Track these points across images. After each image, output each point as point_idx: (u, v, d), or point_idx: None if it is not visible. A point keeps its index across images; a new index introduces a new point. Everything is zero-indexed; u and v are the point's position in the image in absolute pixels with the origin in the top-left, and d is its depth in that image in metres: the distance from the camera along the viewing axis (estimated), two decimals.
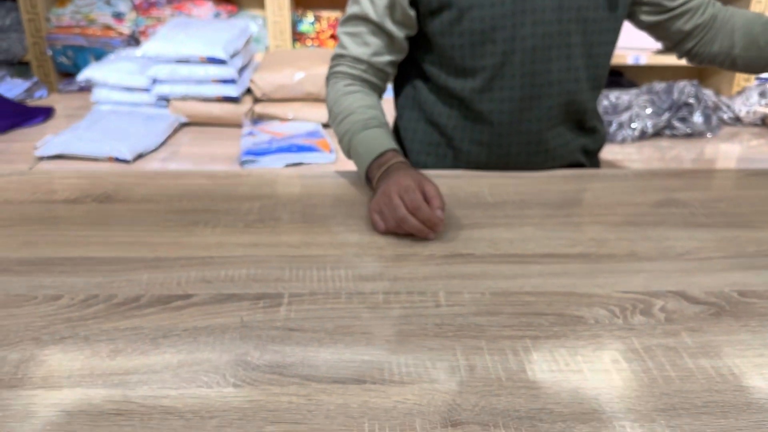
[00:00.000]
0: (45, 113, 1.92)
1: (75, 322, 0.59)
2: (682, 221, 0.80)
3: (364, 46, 0.96)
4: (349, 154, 0.93)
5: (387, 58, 0.96)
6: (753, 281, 0.67)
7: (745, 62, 0.99)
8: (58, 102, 2.08)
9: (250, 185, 0.90)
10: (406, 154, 1.06)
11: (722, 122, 1.79)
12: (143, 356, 0.55)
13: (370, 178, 0.85)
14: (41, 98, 2.11)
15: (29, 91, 2.10)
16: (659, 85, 1.70)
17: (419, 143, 1.02)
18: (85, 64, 2.10)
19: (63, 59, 2.43)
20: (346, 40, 0.97)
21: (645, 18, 0.99)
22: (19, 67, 2.56)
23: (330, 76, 1.00)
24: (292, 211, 0.82)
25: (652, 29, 1.01)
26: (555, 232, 0.77)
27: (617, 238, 0.76)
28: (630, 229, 0.78)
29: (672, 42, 1.02)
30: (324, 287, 0.65)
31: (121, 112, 1.78)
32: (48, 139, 1.64)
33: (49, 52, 2.46)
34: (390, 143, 0.88)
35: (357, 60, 0.97)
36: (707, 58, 1.01)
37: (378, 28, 0.94)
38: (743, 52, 0.98)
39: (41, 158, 1.60)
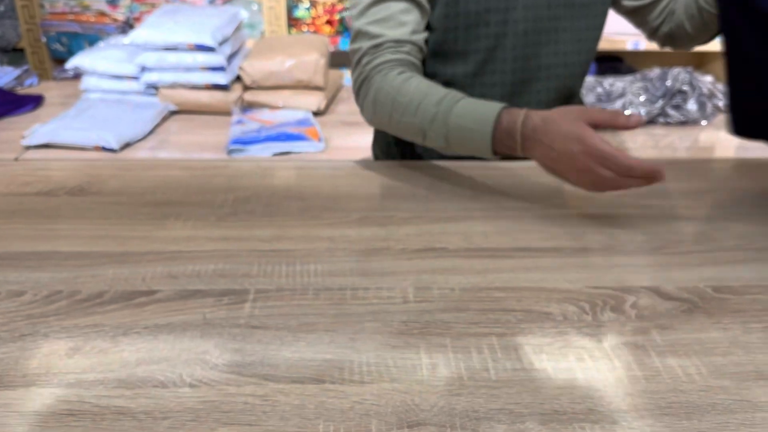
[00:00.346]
0: (34, 101, 1.91)
1: (36, 319, 0.58)
2: (663, 214, 0.79)
3: (401, 27, 0.87)
4: (444, 138, 0.81)
5: (423, 35, 0.90)
6: (729, 276, 0.66)
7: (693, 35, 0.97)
8: (49, 90, 2.07)
9: (226, 177, 0.89)
10: (390, 144, 1.05)
11: (717, 109, 1.77)
12: (101, 354, 0.54)
13: (508, 145, 0.77)
14: (31, 86, 2.10)
15: (19, 79, 2.08)
16: (653, 72, 1.68)
17: None
18: (79, 50, 2.09)
19: (57, 46, 2.41)
20: (375, 28, 0.87)
21: (627, 2, 0.98)
22: (14, 53, 2.55)
23: (372, 72, 0.87)
24: (267, 203, 0.81)
25: (632, 14, 1.00)
26: (531, 225, 0.76)
27: (594, 232, 0.74)
28: (608, 222, 0.77)
29: (651, 28, 1.01)
30: (291, 283, 0.64)
31: (109, 101, 1.77)
32: (36, 128, 1.64)
33: (44, 39, 2.45)
34: (496, 104, 0.78)
35: (398, 42, 0.87)
36: (686, 41, 1.00)
37: (410, 2, 0.87)
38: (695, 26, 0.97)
39: (28, 147, 1.60)
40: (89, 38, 2.27)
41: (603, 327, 0.58)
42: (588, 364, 0.53)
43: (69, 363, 0.53)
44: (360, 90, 0.89)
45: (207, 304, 0.61)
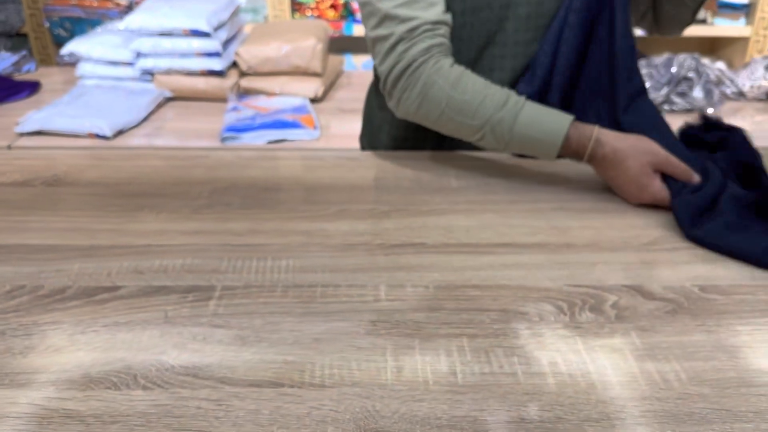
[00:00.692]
0: (31, 88, 1.89)
1: None
2: (655, 208, 0.76)
3: (433, 7, 0.80)
4: (506, 144, 0.79)
5: (450, 15, 0.83)
6: (718, 275, 0.63)
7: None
8: (46, 76, 2.05)
9: (206, 167, 0.86)
10: (378, 133, 1.02)
11: (725, 97, 1.73)
12: (56, 354, 0.52)
13: (572, 157, 0.79)
14: (29, 72, 2.09)
15: (17, 65, 2.07)
16: (659, 58, 1.64)
17: (398, 123, 0.97)
18: (82, 35, 2.07)
19: (60, 31, 2.40)
20: (406, 11, 0.80)
21: None
22: (17, 39, 2.54)
23: (417, 61, 0.80)
24: (245, 195, 0.79)
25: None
26: (516, 219, 0.73)
27: (581, 227, 0.72)
28: (596, 217, 0.74)
29: (640, 12, 0.98)
30: (260, 279, 0.62)
31: (104, 87, 1.75)
32: (29, 115, 1.62)
33: (47, 24, 2.43)
34: (563, 115, 0.78)
35: (435, 24, 0.80)
36: (675, 25, 0.96)
37: None
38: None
39: (21, 134, 1.58)
40: (92, 23, 2.25)
41: (580, 328, 0.55)
42: (561, 368, 0.51)
43: (22, 362, 0.51)
44: (399, 81, 0.82)
45: (170, 302, 0.59)
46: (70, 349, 0.53)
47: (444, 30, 0.82)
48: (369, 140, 1.05)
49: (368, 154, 0.94)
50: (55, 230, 0.70)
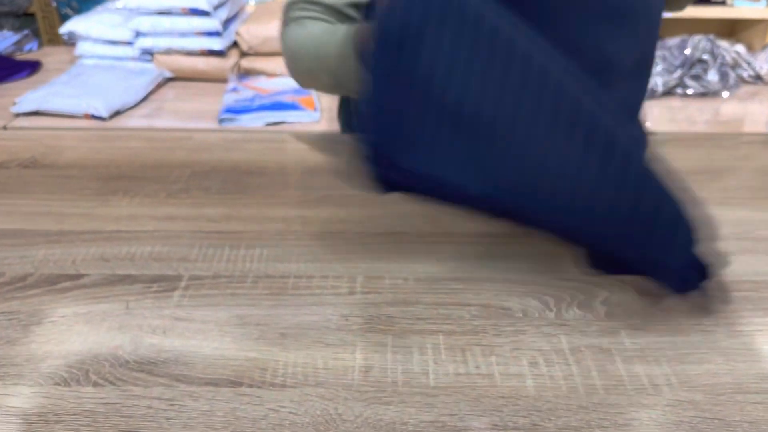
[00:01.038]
0: (31, 67, 1.87)
1: None
2: None
3: None
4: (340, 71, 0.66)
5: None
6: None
7: None
8: (48, 56, 2.03)
9: (187, 150, 0.83)
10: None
11: (741, 80, 1.67)
12: (8, 346, 0.49)
13: None
14: (31, 51, 2.06)
15: (19, 44, 2.05)
16: (672, 40, 1.58)
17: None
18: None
19: (68, 10, 2.37)
20: None
21: None
22: (25, 18, 2.52)
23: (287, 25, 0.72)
24: (225, 180, 0.75)
25: None
26: None
27: None
28: None
29: None
30: (231, 269, 0.59)
31: (103, 67, 1.73)
32: (27, 94, 1.60)
33: (54, 3, 2.41)
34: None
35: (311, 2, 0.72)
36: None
37: None
38: None
39: (18, 114, 1.56)
40: (100, 1, 2.23)
41: (566, 326, 0.52)
42: (542, 369, 0.47)
43: None
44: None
45: (133, 291, 0.56)
46: (23, 341, 0.50)
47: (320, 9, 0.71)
48: (345, 119, 1.00)
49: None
50: (24, 214, 0.67)
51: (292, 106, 1.51)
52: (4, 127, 1.49)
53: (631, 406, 0.44)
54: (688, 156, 0.82)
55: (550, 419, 0.43)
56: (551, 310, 0.53)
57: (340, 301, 0.55)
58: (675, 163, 0.79)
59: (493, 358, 0.48)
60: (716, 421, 0.43)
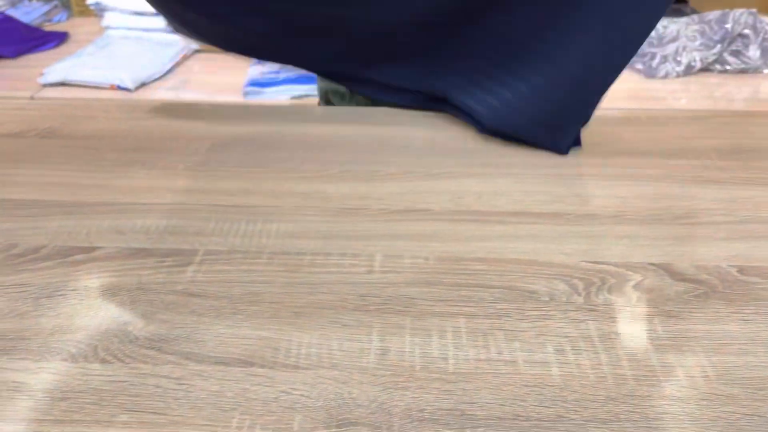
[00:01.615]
0: (59, 38, 1.87)
1: None
2: (690, 176, 0.68)
3: None
4: None
5: None
6: (760, 255, 0.55)
7: None
8: (77, 27, 2.03)
9: (208, 121, 0.81)
10: None
11: None
12: (17, 320, 0.48)
13: None
14: (59, 22, 2.06)
15: (48, 15, 2.04)
16: (711, 14, 1.51)
17: None
18: None
19: None
20: None
21: None
22: None
23: None
24: (245, 152, 0.73)
25: None
26: (534, 185, 0.66)
27: (606, 195, 0.64)
28: (624, 184, 0.66)
29: None
30: (246, 244, 0.57)
31: (130, 38, 1.71)
32: (54, 65, 1.59)
33: None
34: None
35: None
36: None
37: None
38: None
39: (45, 85, 1.56)
40: None
41: (595, 311, 0.49)
42: (568, 357, 0.45)
43: None
44: None
45: (147, 266, 0.54)
46: (32, 315, 0.49)
47: None
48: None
49: (384, 109, 0.87)
50: (40, 185, 0.66)
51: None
52: (32, 98, 1.49)
53: (663, 399, 0.41)
54: (724, 134, 0.77)
55: (576, 411, 0.41)
56: (580, 295, 0.51)
57: (358, 280, 0.52)
58: (710, 141, 0.75)
59: (517, 344, 0.46)
60: (756, 417, 0.40)
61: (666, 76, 1.49)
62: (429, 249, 0.56)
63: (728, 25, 1.47)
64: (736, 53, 1.48)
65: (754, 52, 1.47)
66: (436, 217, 0.61)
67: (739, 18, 1.48)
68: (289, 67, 0.84)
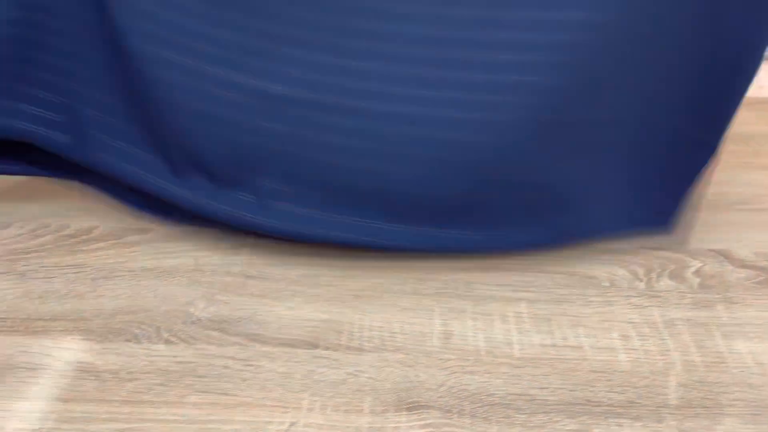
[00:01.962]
0: None
1: (16, 256, 0.53)
2: (743, 162, 0.67)
3: None
4: None
5: None
6: None
7: None
8: None
9: None
10: None
11: None
12: (77, 300, 0.48)
13: None
14: None
15: None
16: None
17: None
18: None
19: None
20: None
21: None
22: None
23: None
24: None
25: None
26: None
27: None
28: None
29: None
30: None
31: None
32: None
33: None
34: None
35: None
36: None
37: None
38: None
39: None
40: None
41: (657, 297, 0.48)
42: (635, 343, 0.44)
43: (40, 309, 0.48)
44: None
45: (202, 247, 0.54)
46: (91, 296, 0.49)
47: None
48: None
49: None
50: None
51: None
52: None
53: (735, 386, 0.41)
54: (756, 121, 0.76)
55: (648, 396, 0.40)
56: (641, 280, 0.50)
57: (415, 264, 0.52)
58: (760, 127, 0.74)
59: (581, 330, 0.45)
60: None
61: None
62: None
63: None
64: None
65: None
66: None
67: None
68: None
